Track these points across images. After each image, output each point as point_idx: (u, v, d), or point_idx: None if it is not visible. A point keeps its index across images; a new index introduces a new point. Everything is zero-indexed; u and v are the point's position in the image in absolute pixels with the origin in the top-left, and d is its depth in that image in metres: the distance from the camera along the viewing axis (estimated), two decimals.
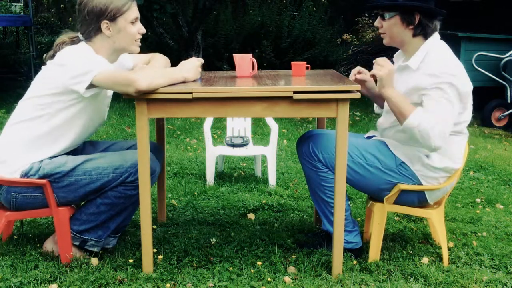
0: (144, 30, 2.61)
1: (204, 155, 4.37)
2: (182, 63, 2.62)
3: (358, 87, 2.39)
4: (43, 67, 2.55)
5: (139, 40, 2.61)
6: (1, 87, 8.13)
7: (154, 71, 2.48)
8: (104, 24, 2.51)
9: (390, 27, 2.60)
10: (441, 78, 2.44)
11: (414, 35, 2.58)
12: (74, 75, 2.40)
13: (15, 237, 2.90)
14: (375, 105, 2.98)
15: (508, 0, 7.70)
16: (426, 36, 2.59)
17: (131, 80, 2.33)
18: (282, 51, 9.91)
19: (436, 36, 2.60)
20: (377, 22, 2.65)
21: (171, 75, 2.48)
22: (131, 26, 2.55)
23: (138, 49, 2.63)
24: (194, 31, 8.05)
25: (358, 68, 2.78)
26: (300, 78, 2.72)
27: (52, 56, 2.53)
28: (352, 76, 2.74)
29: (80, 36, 2.58)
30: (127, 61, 2.80)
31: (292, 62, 2.82)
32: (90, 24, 2.52)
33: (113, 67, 2.54)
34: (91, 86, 2.43)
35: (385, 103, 2.67)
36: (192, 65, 2.60)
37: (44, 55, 2.60)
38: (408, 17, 2.54)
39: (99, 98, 2.62)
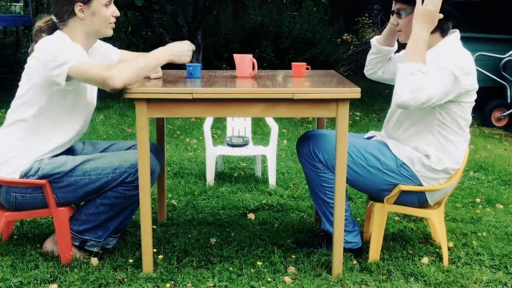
0: (118, 13, 2.58)
1: (204, 155, 4.37)
2: (172, 44, 2.55)
3: (358, 89, 2.39)
4: (25, 65, 2.53)
5: (113, 23, 2.57)
6: (1, 87, 8.13)
7: (124, 64, 2.42)
8: (77, 7, 2.48)
9: (406, 24, 2.58)
10: (448, 68, 2.44)
11: (431, 32, 2.57)
12: (51, 67, 2.38)
13: (15, 237, 2.90)
14: (374, 39, 2.89)
15: (508, 0, 7.71)
16: (442, 33, 2.58)
17: (104, 78, 2.33)
18: (282, 51, 9.91)
19: (455, 35, 2.60)
20: (393, 20, 2.64)
21: (144, 61, 2.43)
22: (105, 9, 2.52)
23: (112, 32, 2.60)
24: (194, 31, 8.05)
25: None
26: (300, 79, 2.73)
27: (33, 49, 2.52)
28: None
29: (54, 18, 2.54)
30: (113, 52, 2.79)
31: (292, 63, 2.82)
32: (63, 6, 2.49)
33: (89, 59, 2.49)
34: (69, 78, 2.41)
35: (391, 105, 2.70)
36: (180, 48, 2.54)
37: (29, 49, 2.59)
38: None
39: (83, 84, 2.60)
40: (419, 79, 2.42)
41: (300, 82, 2.63)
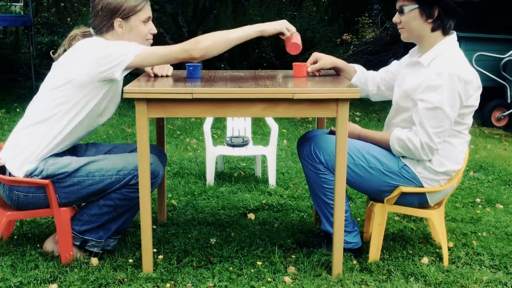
0: (155, 31, 2.65)
1: (204, 155, 4.37)
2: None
3: (358, 89, 2.38)
4: (55, 63, 2.54)
5: (151, 39, 2.64)
6: (1, 87, 8.13)
7: (210, 33, 2.48)
8: (117, 22, 2.55)
9: (409, 21, 2.57)
10: (445, 78, 2.44)
11: (433, 30, 2.56)
12: (105, 62, 2.41)
13: (15, 237, 2.90)
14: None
15: (508, 0, 7.70)
16: (444, 32, 2.58)
17: (183, 50, 2.42)
18: (282, 51, 9.90)
19: (453, 37, 2.60)
20: (396, 18, 2.62)
21: (233, 31, 2.50)
22: (143, 26, 2.59)
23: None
24: (194, 31, 8.06)
25: (315, 56, 2.79)
26: (300, 79, 2.73)
27: (64, 51, 2.54)
28: (309, 67, 2.76)
29: (92, 31, 2.61)
30: None
31: (294, 63, 2.82)
32: (103, 20, 2.56)
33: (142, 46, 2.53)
34: (126, 68, 2.46)
35: (393, 98, 2.75)
36: (276, 22, 2.58)
37: (53, 52, 2.60)
38: (428, 9, 2.52)
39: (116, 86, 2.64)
40: (407, 147, 2.56)
41: (301, 82, 2.63)
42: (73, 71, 2.46)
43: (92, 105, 2.53)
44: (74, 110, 2.51)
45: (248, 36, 2.51)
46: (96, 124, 2.66)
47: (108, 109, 2.65)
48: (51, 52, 2.63)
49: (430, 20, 2.54)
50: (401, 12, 2.59)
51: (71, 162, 2.53)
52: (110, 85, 2.52)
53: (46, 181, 2.49)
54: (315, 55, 2.81)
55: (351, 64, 2.93)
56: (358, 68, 2.91)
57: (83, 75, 2.45)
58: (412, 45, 2.75)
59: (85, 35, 2.62)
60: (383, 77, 2.89)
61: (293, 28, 2.63)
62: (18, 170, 2.50)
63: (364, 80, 2.90)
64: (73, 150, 2.76)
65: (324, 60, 2.80)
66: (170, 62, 2.52)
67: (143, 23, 2.59)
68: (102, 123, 2.70)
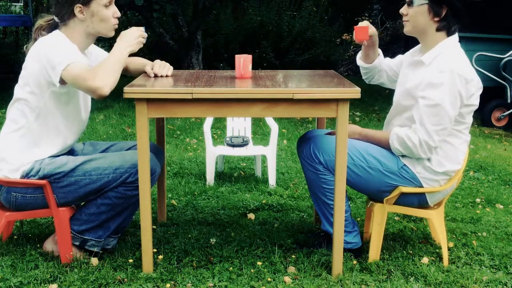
0: (118, 14, 2.56)
1: (204, 155, 4.37)
2: (122, 34, 2.53)
3: (358, 89, 2.38)
4: (23, 66, 2.51)
5: (116, 25, 2.57)
6: (1, 87, 8.12)
7: (103, 68, 2.38)
8: (77, 8, 2.47)
9: (416, 15, 2.56)
10: (446, 75, 2.44)
11: (438, 29, 2.56)
12: (49, 66, 2.37)
13: (15, 237, 2.90)
14: (357, 57, 2.97)
15: (508, 0, 7.71)
16: (448, 33, 2.57)
17: (93, 89, 2.32)
18: (282, 51, 9.92)
19: (455, 37, 2.60)
20: (403, 9, 2.61)
21: (117, 60, 2.43)
22: (105, 10, 2.50)
23: (113, 33, 2.59)
24: (194, 31, 8.05)
25: (366, 23, 2.76)
26: (300, 78, 2.73)
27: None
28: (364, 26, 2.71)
29: (56, 18, 2.54)
30: (103, 56, 2.77)
31: (355, 26, 2.73)
32: (63, 7, 2.49)
33: (83, 64, 2.41)
34: (62, 80, 2.40)
35: (394, 97, 2.75)
36: (132, 37, 2.52)
37: (25, 46, 2.56)
38: (437, 7, 2.52)
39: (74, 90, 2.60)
40: (406, 146, 2.56)
41: (301, 81, 2.63)
42: (30, 74, 2.44)
43: (57, 107, 2.51)
44: (42, 116, 2.50)
45: (125, 59, 2.48)
46: (77, 121, 2.65)
47: (75, 118, 2.64)
48: (24, 47, 2.59)
49: (436, 19, 2.54)
50: (410, 4, 2.58)
51: (67, 162, 2.53)
52: (67, 94, 2.49)
53: (44, 181, 2.49)
54: (365, 23, 2.76)
55: None
56: (380, 52, 2.93)
57: (38, 78, 2.42)
58: (413, 44, 2.75)
59: (50, 24, 2.55)
60: (386, 68, 2.95)
61: (144, 34, 2.56)
62: (13, 174, 2.51)
63: (380, 65, 2.94)
64: (69, 150, 2.76)
65: (373, 28, 2.76)
66: (85, 92, 2.42)
67: (104, 7, 2.50)
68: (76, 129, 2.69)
